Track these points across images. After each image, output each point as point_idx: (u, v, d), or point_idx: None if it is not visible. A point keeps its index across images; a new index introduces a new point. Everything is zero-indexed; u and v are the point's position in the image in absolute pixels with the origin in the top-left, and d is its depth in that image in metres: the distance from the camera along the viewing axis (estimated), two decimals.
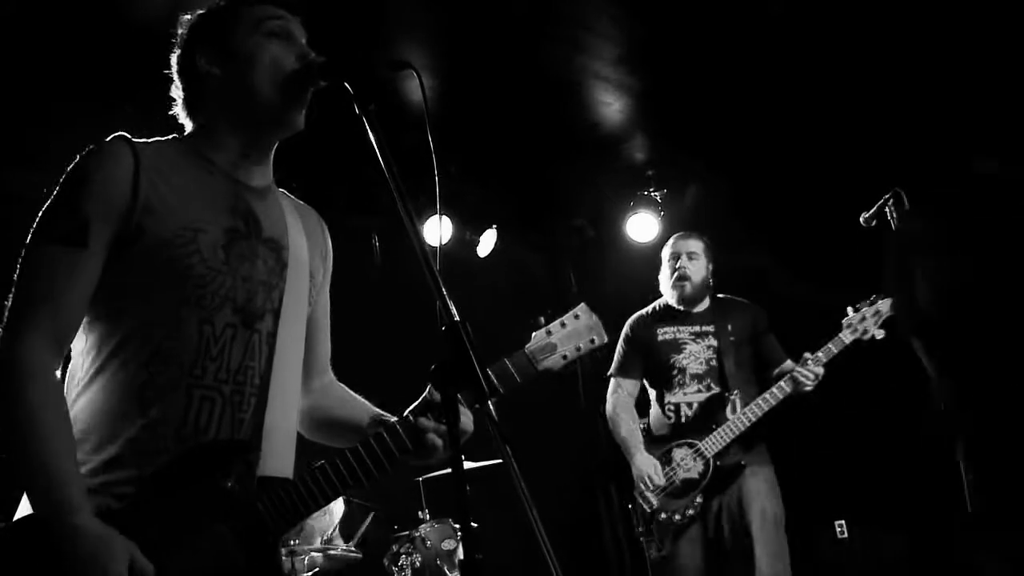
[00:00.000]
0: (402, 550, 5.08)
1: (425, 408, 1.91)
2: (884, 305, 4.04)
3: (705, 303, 4.42)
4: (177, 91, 1.99)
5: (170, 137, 1.95)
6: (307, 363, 2.09)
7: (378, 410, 2.07)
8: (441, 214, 5.45)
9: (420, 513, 5.36)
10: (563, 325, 2.03)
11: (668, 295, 4.44)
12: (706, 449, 4.04)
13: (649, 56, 4.98)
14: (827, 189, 5.46)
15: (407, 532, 5.16)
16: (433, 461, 1.92)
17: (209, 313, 1.77)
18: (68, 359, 1.82)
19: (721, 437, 4.03)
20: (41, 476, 1.60)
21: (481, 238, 6.31)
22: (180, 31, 1.99)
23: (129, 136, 1.83)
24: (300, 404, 2.09)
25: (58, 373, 1.73)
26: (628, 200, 6.40)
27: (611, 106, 5.42)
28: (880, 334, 4.03)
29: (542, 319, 2.02)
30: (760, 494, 4.03)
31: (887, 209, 3.68)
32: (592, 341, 2.03)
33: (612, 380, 4.48)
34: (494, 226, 6.30)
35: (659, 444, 4.22)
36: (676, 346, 4.29)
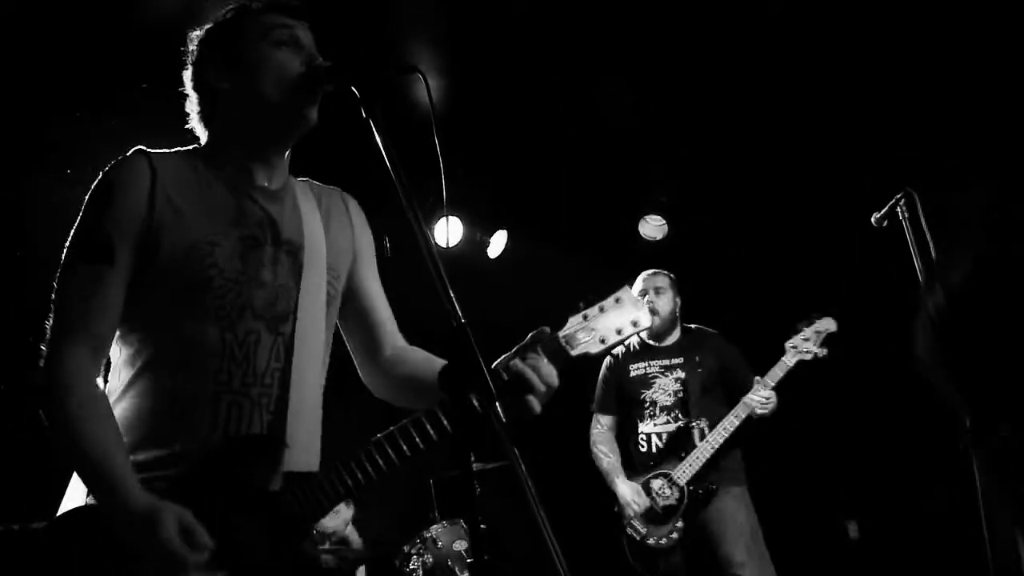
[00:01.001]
0: (413, 551, 5.08)
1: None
2: (824, 323, 4.21)
3: (675, 335, 4.66)
4: (192, 106, 2.03)
5: (188, 148, 1.99)
6: (373, 337, 2.16)
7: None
8: (448, 215, 5.46)
9: (431, 514, 5.37)
10: (602, 309, 1.94)
11: None
12: (678, 477, 4.28)
13: (652, 56, 4.98)
14: (831, 189, 5.45)
15: (418, 533, 5.17)
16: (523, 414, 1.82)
17: (231, 322, 1.83)
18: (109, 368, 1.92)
19: (691, 465, 4.26)
20: (94, 473, 1.71)
21: (492, 239, 6.31)
22: (190, 47, 2.02)
23: (147, 149, 1.89)
24: (376, 370, 2.15)
25: (99, 380, 1.82)
26: (639, 199, 6.40)
27: (618, 105, 5.42)
28: (822, 352, 4.19)
29: (581, 303, 1.92)
30: (731, 511, 4.25)
31: (898, 209, 3.66)
32: (635, 324, 1.94)
33: (594, 416, 4.76)
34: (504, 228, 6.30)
35: (638, 474, 4.46)
36: (646, 381, 4.54)
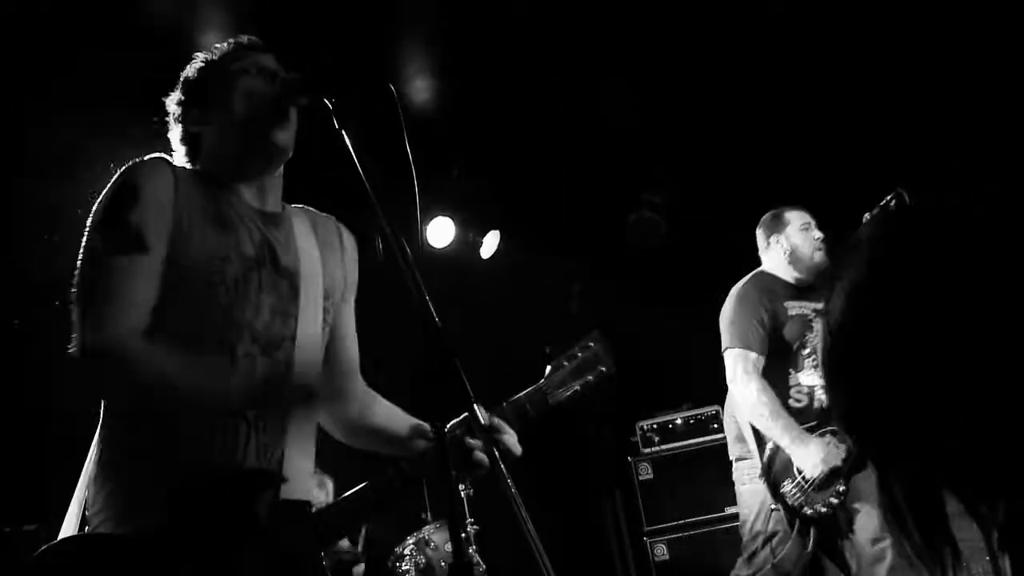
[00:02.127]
0: (406, 551, 5.08)
1: (467, 426, 1.94)
2: None
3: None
4: (180, 158, 2.04)
5: (196, 166, 2.02)
6: (338, 371, 2.14)
7: (415, 420, 2.12)
8: (422, 226, 5.48)
9: (424, 515, 5.37)
10: (575, 356, 2.03)
11: (798, 265, 3.98)
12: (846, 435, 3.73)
13: (652, 57, 4.98)
14: (828, 188, 5.46)
15: (411, 534, 5.17)
16: (474, 477, 1.97)
17: (231, 343, 1.81)
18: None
19: None
20: (208, 398, 1.74)
21: (484, 239, 6.31)
22: (171, 110, 2.05)
23: (166, 156, 1.92)
24: (341, 412, 2.17)
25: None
26: (634, 200, 6.42)
27: (616, 105, 5.43)
28: None
29: (547, 349, 2.03)
30: (872, 479, 3.68)
31: (890, 209, 3.68)
32: (602, 371, 2.03)
33: (739, 355, 3.85)
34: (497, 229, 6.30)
35: None
36: (808, 324, 3.88)
